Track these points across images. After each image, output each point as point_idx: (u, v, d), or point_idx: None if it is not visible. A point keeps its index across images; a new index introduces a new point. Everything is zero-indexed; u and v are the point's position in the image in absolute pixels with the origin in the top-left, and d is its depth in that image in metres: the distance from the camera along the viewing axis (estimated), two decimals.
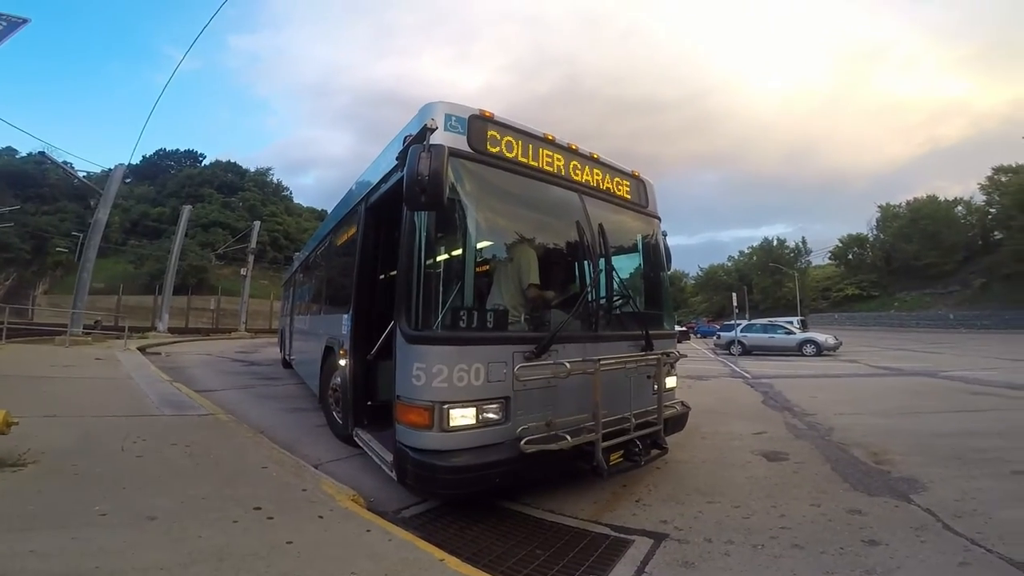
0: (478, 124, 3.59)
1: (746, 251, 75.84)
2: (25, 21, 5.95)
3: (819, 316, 52.77)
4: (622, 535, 3.15)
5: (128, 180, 55.00)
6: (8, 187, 54.63)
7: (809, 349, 19.03)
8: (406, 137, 3.60)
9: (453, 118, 3.47)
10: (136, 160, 62.17)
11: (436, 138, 3.26)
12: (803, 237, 70.21)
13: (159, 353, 14.93)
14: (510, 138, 3.76)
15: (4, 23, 5.75)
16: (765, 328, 21.93)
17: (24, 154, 59.19)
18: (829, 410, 7.15)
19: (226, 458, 3.97)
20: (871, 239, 61.77)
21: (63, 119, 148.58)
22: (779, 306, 56.81)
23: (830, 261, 67.37)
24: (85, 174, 20.29)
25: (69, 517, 2.65)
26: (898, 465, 4.42)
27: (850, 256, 63.59)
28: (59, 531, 2.47)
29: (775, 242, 70.39)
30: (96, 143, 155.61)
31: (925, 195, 56.85)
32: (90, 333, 17.33)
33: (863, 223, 71.93)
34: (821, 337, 19.67)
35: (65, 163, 20.91)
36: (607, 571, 2.68)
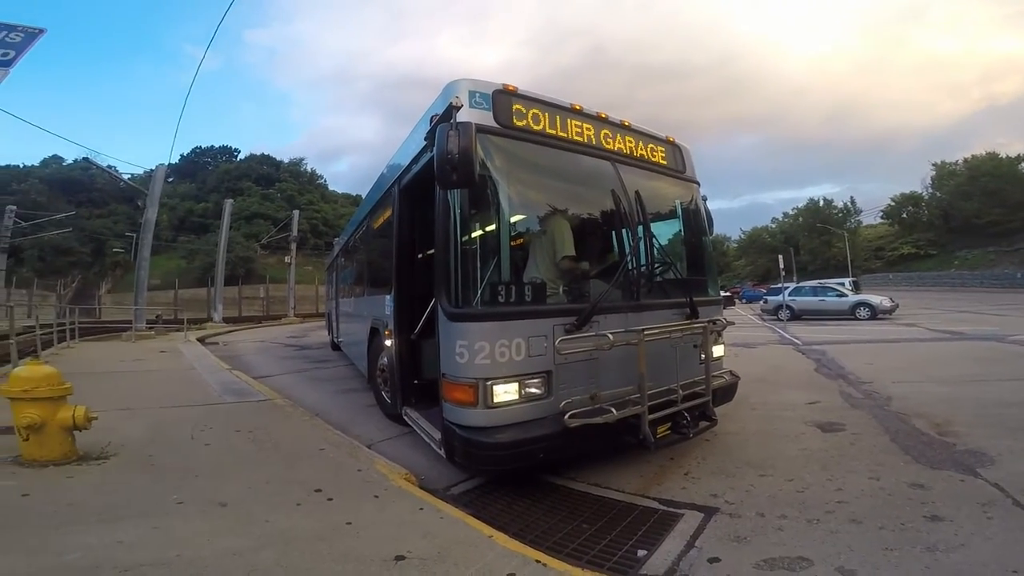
0: (503, 99, 3.56)
1: (791, 212, 72.67)
2: (42, 31, 6.17)
3: (872, 276, 50.21)
4: (671, 509, 3.13)
5: (170, 179, 57.40)
6: (61, 193, 58.24)
7: (863, 312, 18.20)
8: (432, 117, 3.61)
9: (477, 94, 3.45)
10: (175, 159, 65.33)
11: (462, 116, 3.24)
12: (851, 197, 66.45)
13: (217, 343, 15.70)
14: (536, 110, 3.71)
15: (22, 35, 5.96)
16: (815, 291, 21.04)
17: (70, 161, 63.05)
18: (887, 377, 6.85)
19: (286, 442, 4.18)
20: (927, 197, 58.16)
21: (100, 125, 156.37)
22: (829, 267, 54.32)
23: (882, 220, 63.91)
24: (129, 176, 21.47)
25: (150, 507, 2.84)
26: (963, 437, 4.20)
27: (904, 215, 60.04)
28: (142, 520, 2.65)
29: (822, 202, 67.22)
30: (134, 146, 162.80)
31: (984, 152, 52.74)
32: (153, 327, 18.36)
33: (917, 181, 68.04)
34: (876, 299, 18.74)
35: (109, 167, 22.04)
36: (656, 546, 2.67)
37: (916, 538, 2.61)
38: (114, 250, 53.52)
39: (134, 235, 28.90)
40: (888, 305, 18.22)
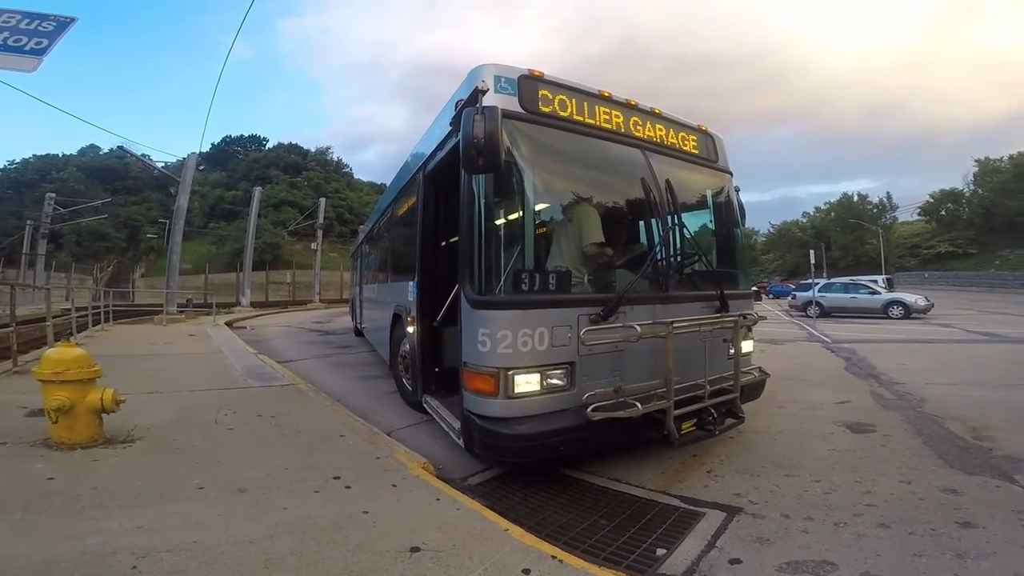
0: (528, 84, 3.49)
1: (823, 207, 71.03)
2: (73, 20, 6.18)
3: (906, 275, 48.69)
4: (692, 507, 3.07)
5: (201, 167, 58.29)
6: (98, 182, 60.12)
7: (896, 311, 17.62)
8: (458, 102, 3.57)
9: (503, 79, 3.39)
10: (206, 148, 66.83)
11: (488, 100, 3.19)
12: (888, 192, 64.80)
13: (244, 327, 16.05)
14: (563, 96, 3.64)
15: (53, 24, 5.99)
16: (846, 287, 20.47)
17: (106, 150, 64.89)
18: (920, 379, 6.62)
19: (307, 428, 4.21)
20: (967, 194, 56.41)
21: (135, 115, 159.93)
22: (861, 264, 52.81)
23: (919, 217, 61.92)
24: (163, 164, 22.00)
25: (171, 492, 2.85)
26: (1000, 442, 4.03)
27: (943, 212, 58.07)
28: (162, 506, 2.66)
29: (856, 197, 65.41)
30: (168, 135, 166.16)
31: None
32: (183, 311, 18.86)
33: (958, 178, 65.75)
34: (910, 298, 18.14)
35: (143, 155, 22.88)
36: (675, 544, 2.62)
37: (946, 544, 2.53)
38: (148, 236, 55.13)
39: (167, 221, 29.80)
40: (923, 304, 17.60)
